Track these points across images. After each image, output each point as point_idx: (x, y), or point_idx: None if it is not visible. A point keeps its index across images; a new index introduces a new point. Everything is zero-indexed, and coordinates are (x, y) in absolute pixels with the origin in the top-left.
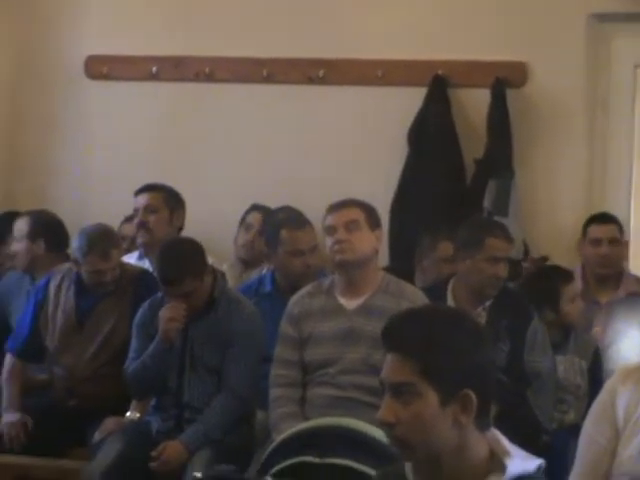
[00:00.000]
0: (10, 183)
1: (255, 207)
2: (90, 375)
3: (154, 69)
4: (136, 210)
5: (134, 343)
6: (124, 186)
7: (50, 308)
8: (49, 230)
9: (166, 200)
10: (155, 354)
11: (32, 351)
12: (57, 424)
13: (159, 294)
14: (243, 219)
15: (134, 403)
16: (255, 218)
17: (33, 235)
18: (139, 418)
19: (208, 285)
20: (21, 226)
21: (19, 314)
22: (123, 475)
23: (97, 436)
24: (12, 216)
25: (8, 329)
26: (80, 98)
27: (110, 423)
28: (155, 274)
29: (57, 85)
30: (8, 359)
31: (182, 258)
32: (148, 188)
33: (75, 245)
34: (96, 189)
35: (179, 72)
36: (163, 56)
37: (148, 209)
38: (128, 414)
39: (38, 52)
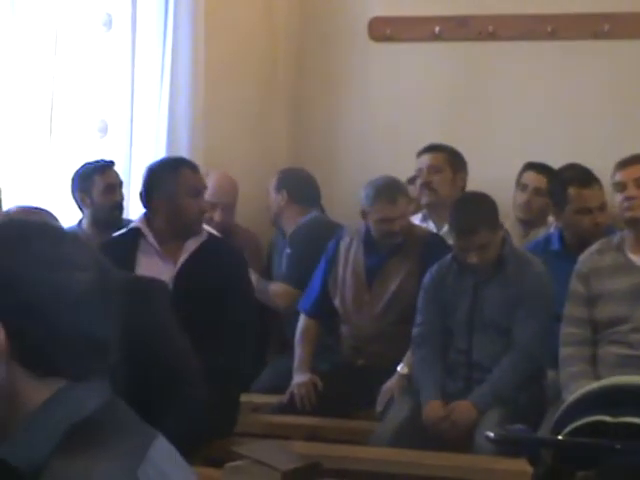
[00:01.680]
0: (296, 141)
1: (530, 166)
2: (377, 334)
3: (437, 29)
4: (419, 171)
5: (421, 306)
6: (406, 148)
7: (340, 268)
8: (293, 183)
9: (449, 160)
10: None
11: (323, 311)
12: (345, 384)
13: (448, 256)
14: (518, 179)
15: (407, 356)
16: (530, 177)
17: (278, 187)
18: (410, 372)
19: (499, 242)
20: (271, 181)
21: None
22: (413, 435)
23: (379, 407)
24: None
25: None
26: (363, 60)
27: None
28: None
29: (341, 46)
30: (301, 320)
31: (479, 209)
32: (431, 148)
33: (362, 196)
34: (378, 150)
35: (462, 32)
36: (446, 16)
37: (432, 169)
38: (399, 368)
39: (323, 13)
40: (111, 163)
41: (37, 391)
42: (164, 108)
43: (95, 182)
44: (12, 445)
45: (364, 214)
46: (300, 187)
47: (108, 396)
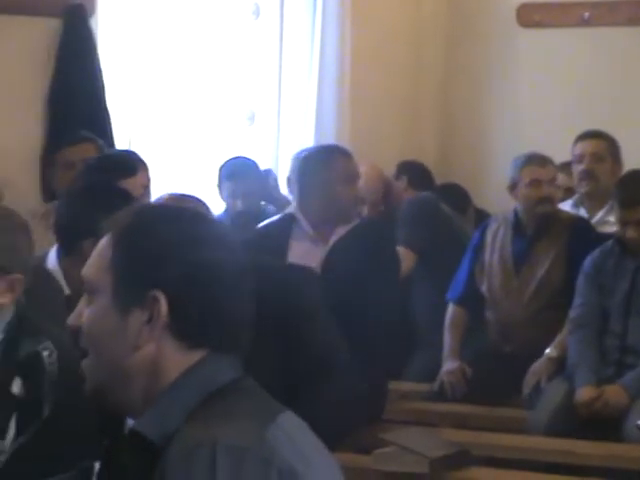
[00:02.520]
0: (442, 129)
1: None
2: (526, 320)
3: (586, 15)
4: (579, 157)
5: (580, 288)
6: (555, 133)
7: (486, 255)
8: (412, 169)
9: (610, 149)
10: None
11: (471, 299)
12: (493, 372)
13: (609, 241)
14: None
15: (557, 340)
16: None
17: (398, 175)
18: (559, 356)
19: None
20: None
21: None
22: (567, 421)
23: (526, 389)
24: None
25: None
26: (512, 46)
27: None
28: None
29: (488, 33)
30: (449, 308)
31: None
32: (592, 135)
33: (511, 169)
34: (527, 136)
35: (612, 17)
36: (596, 2)
37: (594, 157)
38: (547, 351)
39: (471, 0)
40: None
41: (179, 363)
42: (312, 97)
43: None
44: (147, 418)
45: (512, 187)
46: (418, 174)
47: (240, 372)
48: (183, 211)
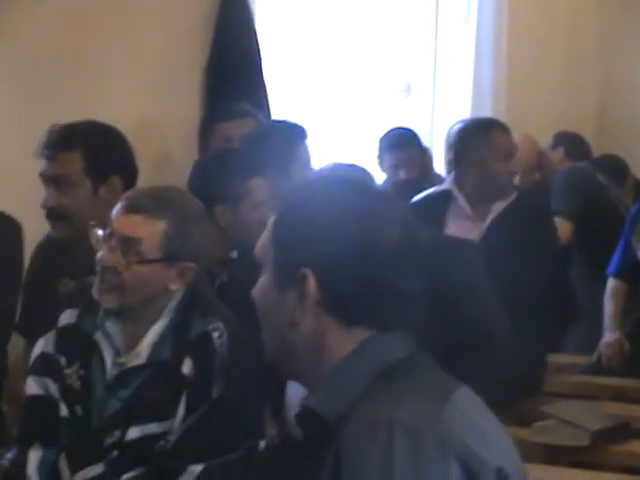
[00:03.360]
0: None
1: None
2: None
3: None
4: None
5: None
6: None
7: None
8: (569, 140)
9: None
10: None
11: (629, 271)
12: None
13: None
14: None
15: None
16: None
17: (555, 145)
18: None
19: None
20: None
21: None
22: None
23: None
24: None
25: None
26: None
27: None
28: None
29: None
30: (609, 281)
31: None
32: None
33: None
34: None
35: None
36: None
37: None
38: None
39: None
40: None
41: (343, 341)
42: (468, 71)
43: None
44: (320, 396)
45: None
46: (576, 145)
47: (412, 348)
48: (343, 185)
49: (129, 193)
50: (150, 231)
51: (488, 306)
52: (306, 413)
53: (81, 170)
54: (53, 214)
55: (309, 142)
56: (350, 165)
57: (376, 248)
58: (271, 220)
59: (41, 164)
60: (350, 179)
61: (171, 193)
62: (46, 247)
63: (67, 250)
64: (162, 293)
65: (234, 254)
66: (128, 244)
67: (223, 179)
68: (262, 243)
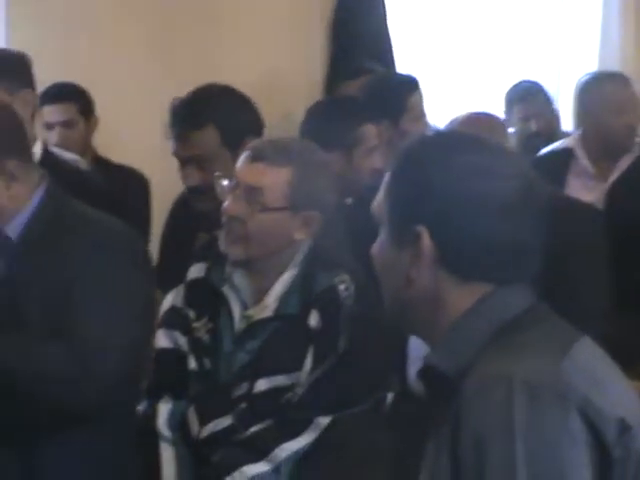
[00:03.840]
0: None
1: None
2: None
3: None
4: None
5: None
6: None
7: None
8: None
9: None
10: None
11: None
12: None
13: None
14: None
15: None
16: None
17: None
18: None
19: None
20: None
21: None
22: None
23: None
24: None
25: None
26: None
27: None
28: None
29: None
30: None
31: None
32: None
33: None
34: None
35: None
36: None
37: None
38: None
39: None
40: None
41: (462, 297)
42: (596, 19)
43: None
44: (440, 352)
45: None
46: None
47: (531, 300)
48: (458, 141)
49: (253, 143)
50: (273, 180)
51: (598, 277)
52: (428, 369)
53: (216, 145)
54: (196, 191)
55: (422, 94)
56: (480, 113)
57: (492, 204)
58: (386, 177)
59: (171, 144)
60: (466, 135)
61: (294, 142)
62: (184, 202)
63: None
64: (287, 244)
65: (349, 201)
66: (252, 193)
67: (336, 125)
68: (378, 201)
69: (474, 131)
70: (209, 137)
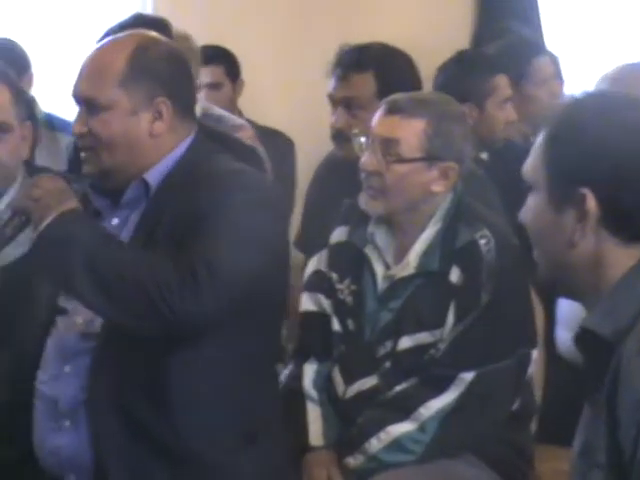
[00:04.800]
0: None
1: None
2: None
3: None
4: None
5: None
6: None
7: None
8: None
9: None
10: None
11: None
12: None
13: None
14: None
15: None
16: None
17: None
18: None
19: None
20: None
21: None
22: None
23: None
24: None
25: None
26: None
27: None
28: None
29: None
30: None
31: None
32: None
33: None
34: None
35: None
36: None
37: None
38: None
39: None
40: None
41: (623, 258)
42: None
43: None
44: (599, 315)
45: None
46: None
47: None
48: (616, 100)
49: (390, 97)
50: (409, 131)
51: None
52: (585, 334)
53: (372, 93)
54: (341, 135)
55: (552, 60)
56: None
57: None
58: (541, 139)
59: (330, 84)
60: (619, 93)
61: (429, 95)
62: (329, 166)
63: (349, 169)
64: (426, 196)
65: (484, 156)
66: (388, 145)
67: (468, 77)
68: (532, 163)
69: (629, 81)
70: (367, 82)
